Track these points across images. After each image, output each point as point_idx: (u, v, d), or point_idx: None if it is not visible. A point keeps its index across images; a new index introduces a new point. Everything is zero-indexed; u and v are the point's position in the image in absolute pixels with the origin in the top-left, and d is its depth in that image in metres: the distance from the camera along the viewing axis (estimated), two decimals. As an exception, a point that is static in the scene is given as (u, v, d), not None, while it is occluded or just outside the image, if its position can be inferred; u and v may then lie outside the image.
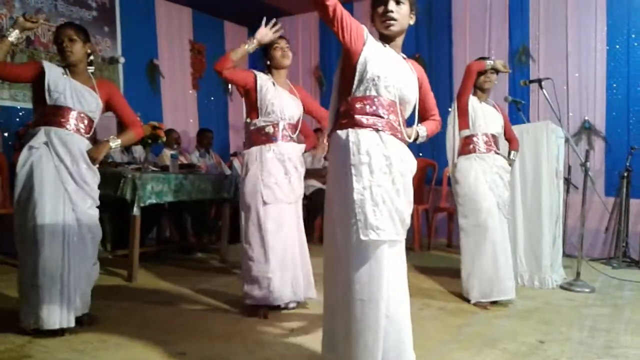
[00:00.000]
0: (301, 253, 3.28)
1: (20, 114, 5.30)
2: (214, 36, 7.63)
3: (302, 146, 3.39)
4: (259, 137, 3.25)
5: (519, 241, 4.11)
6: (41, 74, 2.76)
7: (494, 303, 3.47)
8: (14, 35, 2.76)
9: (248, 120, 3.30)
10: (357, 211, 1.90)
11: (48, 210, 2.65)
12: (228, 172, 6.33)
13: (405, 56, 2.21)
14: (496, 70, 3.69)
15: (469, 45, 6.32)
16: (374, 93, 2.03)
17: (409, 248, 4.63)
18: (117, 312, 3.16)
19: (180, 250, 5.40)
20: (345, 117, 2.04)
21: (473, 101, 3.67)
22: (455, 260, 4.31)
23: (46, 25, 5.51)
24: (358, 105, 2.02)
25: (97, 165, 2.92)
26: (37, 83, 2.78)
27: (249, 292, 3.17)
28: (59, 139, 2.72)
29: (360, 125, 2.00)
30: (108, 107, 3.02)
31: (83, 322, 2.83)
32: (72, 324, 2.70)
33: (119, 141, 2.98)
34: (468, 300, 3.53)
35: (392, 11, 2.04)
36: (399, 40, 2.16)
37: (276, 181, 3.18)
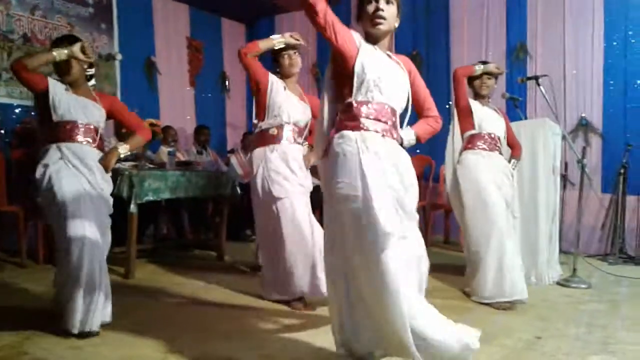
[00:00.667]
0: (315, 245, 3.24)
1: (17, 111, 5.28)
2: (211, 33, 7.62)
3: (306, 149, 3.42)
4: (264, 138, 3.32)
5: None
6: (47, 90, 2.80)
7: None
8: (61, 55, 2.76)
9: (255, 121, 3.37)
10: (373, 207, 1.93)
11: (75, 219, 2.69)
12: (225, 169, 6.33)
13: (390, 54, 2.23)
14: (493, 75, 3.69)
15: (467, 42, 6.32)
16: (374, 98, 2.08)
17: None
18: (115, 309, 3.13)
19: (177, 247, 5.40)
20: (351, 120, 2.08)
21: (475, 105, 3.67)
22: (452, 256, 4.32)
23: (43, 22, 5.49)
24: (363, 111, 2.07)
25: (110, 174, 2.97)
26: (43, 99, 2.83)
27: (270, 288, 3.28)
28: (72, 152, 2.80)
29: (366, 128, 2.05)
30: (110, 116, 3.08)
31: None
32: (105, 321, 2.77)
33: (127, 146, 3.03)
34: (468, 297, 3.55)
35: (383, 10, 2.07)
36: (386, 41, 2.19)
37: (284, 176, 3.23)
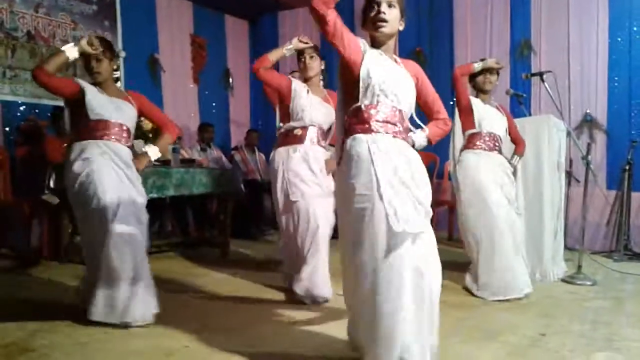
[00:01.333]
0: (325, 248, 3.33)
1: (21, 108, 5.30)
2: (214, 30, 7.61)
3: (329, 152, 3.44)
4: (287, 138, 3.40)
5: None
6: (78, 92, 2.90)
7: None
8: (72, 52, 2.87)
9: (281, 124, 3.44)
10: (387, 206, 1.98)
11: (116, 214, 2.78)
12: (229, 166, 6.34)
13: (397, 58, 2.28)
14: (494, 70, 3.69)
15: (470, 38, 6.30)
16: (381, 102, 2.14)
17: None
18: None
19: (182, 244, 5.41)
20: (361, 124, 2.14)
21: (477, 103, 3.68)
22: (456, 253, 4.31)
23: (47, 20, 5.50)
24: (372, 114, 2.13)
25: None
26: (74, 100, 2.92)
27: (292, 285, 3.33)
28: (110, 149, 2.90)
29: (376, 131, 2.11)
30: (140, 114, 3.18)
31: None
32: (150, 320, 2.82)
33: (156, 149, 3.16)
34: (472, 294, 3.55)
35: (384, 12, 2.12)
36: (391, 44, 2.25)
37: (302, 179, 3.30)
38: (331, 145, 3.53)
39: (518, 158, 3.87)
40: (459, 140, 3.84)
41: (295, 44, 3.44)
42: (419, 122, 2.31)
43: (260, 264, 4.61)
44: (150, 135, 4.52)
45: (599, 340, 2.65)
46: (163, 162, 4.67)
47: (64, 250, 4.46)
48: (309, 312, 3.10)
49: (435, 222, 5.85)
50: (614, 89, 5.54)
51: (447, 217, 6.05)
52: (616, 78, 5.53)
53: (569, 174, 5.27)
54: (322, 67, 3.57)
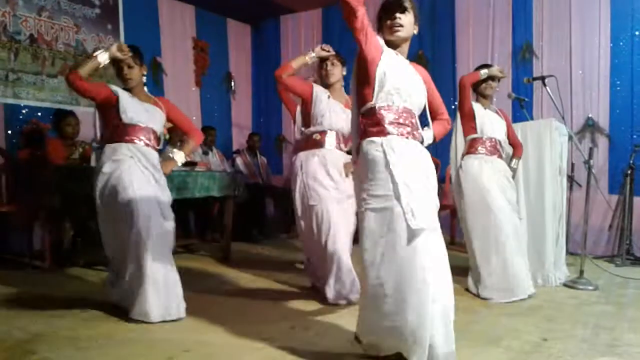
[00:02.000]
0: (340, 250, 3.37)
1: (24, 111, 5.30)
2: (216, 34, 7.63)
3: (348, 157, 3.48)
4: (307, 143, 3.50)
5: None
6: (111, 97, 3.07)
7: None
8: (104, 58, 3.07)
9: (303, 129, 3.54)
10: (404, 205, 2.11)
11: (145, 214, 2.92)
12: (231, 169, 6.35)
13: (409, 62, 2.39)
14: (497, 78, 3.77)
15: (472, 42, 6.31)
16: (396, 102, 2.26)
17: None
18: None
19: (183, 247, 5.41)
20: (375, 126, 2.26)
21: (477, 108, 3.75)
22: (458, 257, 4.30)
23: (49, 23, 5.51)
24: (385, 115, 2.25)
25: None
26: (107, 105, 3.08)
27: (323, 290, 3.38)
28: (140, 152, 3.05)
29: (389, 132, 2.23)
30: (167, 119, 3.33)
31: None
32: (183, 315, 2.98)
33: (182, 154, 3.34)
34: (476, 296, 3.61)
35: (400, 18, 2.27)
36: (405, 47, 2.38)
37: (320, 183, 3.38)
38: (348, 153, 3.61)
39: (517, 161, 3.93)
40: (460, 145, 3.88)
41: (317, 52, 3.52)
42: (429, 119, 2.47)
43: (262, 266, 4.61)
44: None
45: (601, 346, 2.65)
46: (188, 164, 4.67)
47: (66, 254, 4.47)
48: (307, 316, 3.10)
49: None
50: (616, 93, 5.53)
51: (449, 220, 6.07)
52: (618, 82, 5.52)
53: (570, 179, 5.26)
54: (344, 74, 3.64)
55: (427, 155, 2.32)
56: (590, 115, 5.61)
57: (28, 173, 4.73)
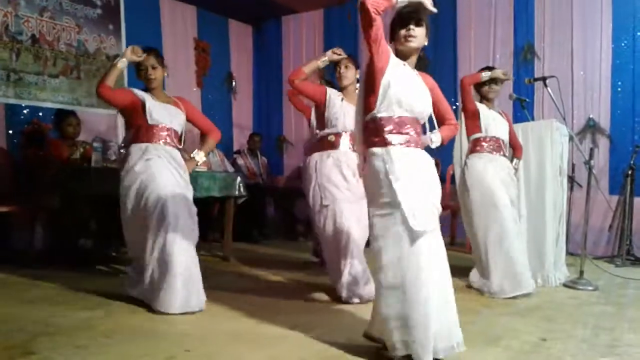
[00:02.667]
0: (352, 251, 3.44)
1: (25, 111, 5.32)
2: (218, 34, 7.65)
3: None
4: (321, 145, 3.58)
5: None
6: (135, 101, 3.24)
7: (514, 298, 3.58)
8: (124, 63, 3.24)
9: (317, 131, 3.61)
10: (406, 210, 2.22)
11: (173, 211, 3.07)
12: (231, 170, 6.35)
13: (416, 72, 2.49)
14: (499, 80, 3.81)
15: (474, 43, 6.32)
16: (397, 113, 2.36)
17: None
18: (121, 309, 3.17)
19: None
20: (376, 135, 2.37)
21: (482, 108, 3.82)
22: (458, 257, 4.31)
23: (51, 23, 5.53)
24: (386, 125, 2.35)
25: None
26: (132, 108, 3.25)
27: (334, 284, 3.47)
28: (166, 151, 3.23)
29: (390, 142, 2.34)
30: (186, 119, 3.47)
31: None
32: (203, 307, 3.12)
33: (202, 153, 3.51)
34: (482, 291, 3.70)
35: (414, 29, 2.38)
36: (414, 57, 2.48)
37: (334, 184, 3.44)
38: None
39: (518, 161, 4.01)
40: (464, 145, 3.91)
41: (329, 55, 3.58)
42: (435, 126, 2.56)
43: (262, 265, 4.62)
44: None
45: (600, 346, 2.64)
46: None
47: (65, 253, 4.49)
48: (309, 316, 3.10)
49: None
50: (617, 94, 5.53)
51: (449, 221, 6.07)
52: (620, 83, 5.52)
53: (571, 179, 5.26)
54: (357, 76, 3.66)
55: (430, 161, 2.42)
56: (591, 116, 5.62)
57: (29, 173, 4.74)
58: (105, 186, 4.17)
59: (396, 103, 2.35)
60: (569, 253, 4.54)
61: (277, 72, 7.89)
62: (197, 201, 5.03)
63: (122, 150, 3.36)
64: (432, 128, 2.53)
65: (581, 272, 4.01)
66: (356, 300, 3.37)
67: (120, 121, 3.38)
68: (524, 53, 5.98)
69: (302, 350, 2.50)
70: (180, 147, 3.36)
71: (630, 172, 5.12)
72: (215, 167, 6.09)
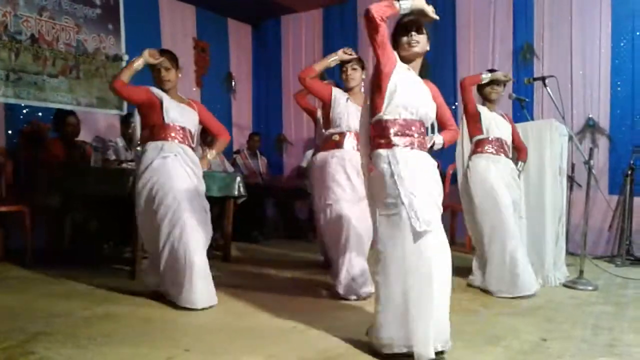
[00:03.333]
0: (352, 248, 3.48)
1: (24, 111, 5.31)
2: (217, 34, 7.64)
3: None
4: (327, 144, 3.63)
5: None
6: (152, 99, 3.35)
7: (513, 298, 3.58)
8: (140, 64, 3.39)
9: (323, 130, 3.67)
10: (410, 211, 2.30)
11: (192, 211, 3.20)
12: (231, 169, 6.35)
13: (420, 79, 2.56)
14: (501, 82, 3.82)
15: (473, 43, 6.31)
16: (402, 115, 2.44)
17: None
18: (121, 309, 3.17)
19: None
20: (382, 137, 2.45)
21: (484, 110, 3.84)
22: (458, 257, 4.28)
23: (50, 23, 5.52)
24: (391, 127, 2.43)
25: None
26: (148, 107, 3.36)
27: (333, 281, 3.51)
28: (181, 149, 3.33)
29: (395, 144, 2.42)
30: (199, 120, 3.59)
31: None
32: (216, 301, 3.23)
33: (214, 152, 3.66)
34: (482, 289, 3.74)
35: (415, 36, 2.48)
36: (418, 63, 2.56)
37: (338, 183, 3.48)
38: None
39: (522, 164, 4.01)
40: (466, 146, 3.93)
41: (340, 55, 3.63)
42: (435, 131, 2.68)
43: (262, 264, 4.62)
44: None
45: (600, 346, 2.64)
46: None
47: (64, 253, 4.48)
48: (307, 316, 3.10)
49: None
50: (616, 93, 5.53)
51: (448, 221, 6.06)
52: (619, 83, 5.52)
53: (571, 179, 5.26)
54: (364, 77, 3.73)
55: (432, 163, 2.50)
56: (590, 116, 5.61)
57: (28, 173, 4.74)
58: (104, 186, 4.18)
59: (402, 106, 2.43)
60: (568, 253, 4.54)
61: (277, 72, 7.89)
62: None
63: (138, 148, 3.48)
64: (433, 132, 2.63)
65: (581, 272, 4.01)
66: (353, 297, 3.40)
67: (137, 120, 3.51)
68: (523, 53, 5.97)
69: (301, 350, 2.50)
70: (193, 146, 3.46)
71: (629, 172, 5.11)
72: (215, 167, 6.08)
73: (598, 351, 2.57)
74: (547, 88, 4.15)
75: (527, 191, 4.14)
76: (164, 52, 3.48)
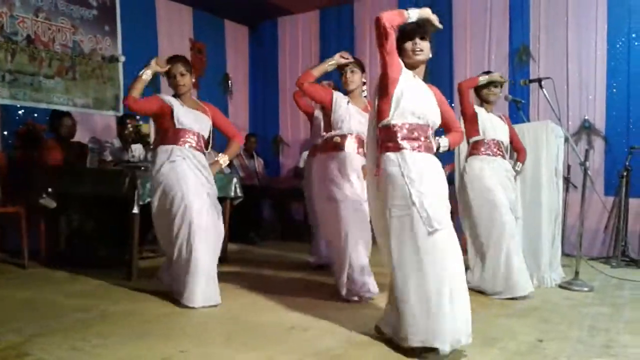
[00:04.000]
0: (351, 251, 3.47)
1: (20, 112, 5.29)
2: (214, 35, 7.63)
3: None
4: (327, 146, 3.64)
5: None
6: (164, 107, 3.41)
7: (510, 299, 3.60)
8: (148, 74, 3.40)
9: (324, 133, 3.68)
10: (421, 211, 2.39)
11: (199, 212, 3.26)
12: (228, 170, 6.34)
13: (425, 84, 2.65)
14: (498, 83, 3.86)
15: (470, 44, 6.32)
16: (409, 120, 2.52)
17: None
18: (116, 310, 3.16)
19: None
20: (390, 141, 2.54)
21: (481, 112, 3.86)
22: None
23: (46, 24, 5.51)
24: (399, 132, 2.52)
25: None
26: (161, 114, 3.43)
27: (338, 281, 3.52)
28: (191, 154, 3.39)
29: (403, 147, 2.50)
30: (212, 123, 3.63)
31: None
32: (219, 301, 3.30)
33: (226, 157, 3.70)
34: (478, 290, 3.71)
35: (420, 43, 2.56)
36: (422, 69, 2.66)
37: (338, 185, 3.49)
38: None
39: (521, 165, 4.02)
40: (463, 147, 3.94)
41: (337, 59, 3.60)
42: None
43: (260, 266, 4.62)
44: (149, 140, 4.53)
45: (596, 347, 2.65)
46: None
47: (60, 255, 4.47)
48: (305, 316, 3.10)
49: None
50: (612, 95, 5.54)
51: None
52: (614, 84, 5.53)
53: (566, 180, 5.28)
54: (364, 80, 3.74)
55: (438, 164, 2.58)
56: (586, 117, 5.63)
57: (24, 174, 4.72)
58: (100, 187, 4.17)
59: (409, 111, 2.51)
60: (564, 254, 4.55)
61: (273, 73, 7.89)
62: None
63: (151, 152, 3.58)
64: (438, 135, 2.69)
65: (576, 273, 4.02)
66: (355, 298, 3.41)
67: (152, 124, 3.60)
68: (520, 55, 5.98)
69: (300, 350, 2.50)
70: (207, 151, 3.53)
71: (625, 173, 5.13)
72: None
73: (594, 352, 2.58)
74: (543, 90, 4.16)
75: (523, 192, 4.15)
76: (178, 58, 3.54)
